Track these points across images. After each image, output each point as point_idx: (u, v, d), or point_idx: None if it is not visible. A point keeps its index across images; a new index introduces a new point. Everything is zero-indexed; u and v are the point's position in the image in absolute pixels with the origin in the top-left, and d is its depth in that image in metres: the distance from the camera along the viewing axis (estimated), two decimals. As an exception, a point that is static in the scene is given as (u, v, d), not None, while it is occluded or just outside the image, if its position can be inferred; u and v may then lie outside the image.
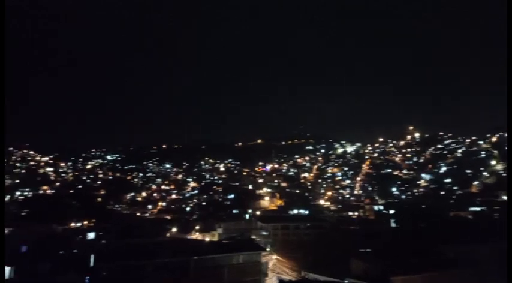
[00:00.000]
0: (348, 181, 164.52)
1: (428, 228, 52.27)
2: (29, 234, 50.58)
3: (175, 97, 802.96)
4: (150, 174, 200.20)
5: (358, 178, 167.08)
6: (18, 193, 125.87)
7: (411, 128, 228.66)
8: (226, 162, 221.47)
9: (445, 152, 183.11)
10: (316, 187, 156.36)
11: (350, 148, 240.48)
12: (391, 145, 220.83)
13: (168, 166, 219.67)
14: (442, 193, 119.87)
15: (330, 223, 70.87)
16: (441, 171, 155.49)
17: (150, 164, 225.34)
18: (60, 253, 35.21)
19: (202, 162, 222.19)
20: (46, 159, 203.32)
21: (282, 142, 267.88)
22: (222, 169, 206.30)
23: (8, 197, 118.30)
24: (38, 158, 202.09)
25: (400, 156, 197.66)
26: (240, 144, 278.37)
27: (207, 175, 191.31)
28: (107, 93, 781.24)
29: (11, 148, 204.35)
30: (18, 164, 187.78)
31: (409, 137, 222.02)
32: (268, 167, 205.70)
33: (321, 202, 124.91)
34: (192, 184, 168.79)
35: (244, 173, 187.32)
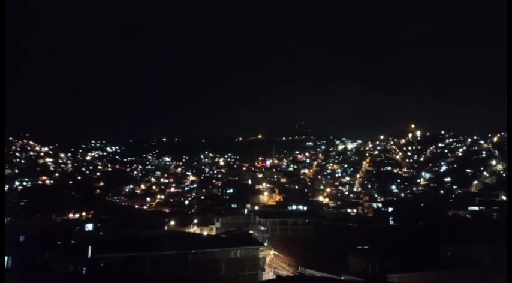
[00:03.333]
0: (347, 178, 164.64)
1: (427, 227, 52.28)
2: (28, 224, 50.78)
3: (176, 90, 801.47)
4: (149, 167, 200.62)
5: (358, 176, 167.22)
6: (17, 183, 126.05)
7: (413, 126, 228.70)
8: (226, 156, 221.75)
9: (446, 151, 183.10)
10: (315, 183, 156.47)
11: (351, 145, 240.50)
12: (391, 143, 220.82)
13: (167, 159, 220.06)
14: (442, 192, 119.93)
15: (329, 219, 70.93)
16: (441, 170, 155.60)
17: (150, 157, 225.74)
18: (58, 243, 35.23)
19: (202, 156, 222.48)
20: (46, 149, 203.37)
21: (283, 138, 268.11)
22: (221, 163, 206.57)
23: (7, 187, 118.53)
24: (37, 148, 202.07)
25: (400, 154, 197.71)
26: (240, 138, 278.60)
27: (207, 169, 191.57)
28: (108, 84, 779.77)
29: (11, 138, 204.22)
30: (17, 154, 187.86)
31: (410, 135, 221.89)
32: (268, 162, 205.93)
33: (320, 198, 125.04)
34: (192, 178, 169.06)
35: (244, 168, 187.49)
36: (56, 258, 32.20)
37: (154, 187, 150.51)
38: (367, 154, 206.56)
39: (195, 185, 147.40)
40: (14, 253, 35.30)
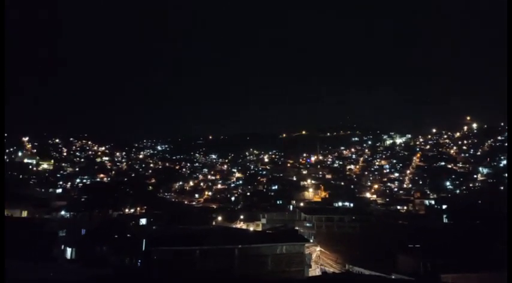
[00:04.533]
0: (396, 174, 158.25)
1: (483, 225, 49.10)
2: (88, 218, 54.86)
3: (220, 89, 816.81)
4: (196, 164, 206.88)
5: (408, 171, 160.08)
6: (78, 180, 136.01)
7: (468, 118, 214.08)
8: (270, 153, 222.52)
9: (506, 144, 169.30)
10: (362, 179, 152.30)
11: (399, 140, 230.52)
12: (445, 137, 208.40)
13: (213, 156, 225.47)
14: (501, 188, 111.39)
15: (377, 216, 68.95)
16: (500, 165, 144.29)
17: (197, 154, 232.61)
18: (115, 236, 37.75)
19: (247, 153, 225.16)
20: (103, 148, 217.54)
21: (327, 134, 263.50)
22: (266, 160, 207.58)
23: (69, 184, 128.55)
24: (95, 148, 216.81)
25: (455, 148, 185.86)
26: (284, 135, 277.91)
27: (252, 166, 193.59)
28: (159, 87, 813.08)
29: (71, 139, 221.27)
30: (77, 153, 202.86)
31: (465, 128, 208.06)
32: (313, 158, 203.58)
33: (368, 195, 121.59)
34: (237, 174, 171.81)
35: (288, 164, 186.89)
36: (113, 251, 34.59)
37: (202, 184, 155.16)
38: (417, 149, 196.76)
39: (240, 182, 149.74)
40: (76, 246, 38.50)
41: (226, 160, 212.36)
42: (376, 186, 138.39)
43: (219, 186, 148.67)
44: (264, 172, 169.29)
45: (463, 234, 42.75)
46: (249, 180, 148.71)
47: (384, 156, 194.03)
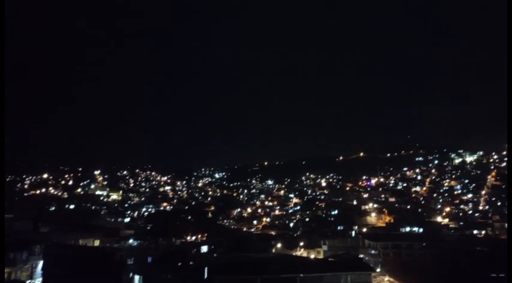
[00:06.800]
0: (469, 195, 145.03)
1: None
2: (154, 246, 56.99)
3: (273, 115, 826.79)
4: (253, 191, 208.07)
5: (483, 192, 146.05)
6: (143, 209, 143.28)
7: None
8: (327, 176, 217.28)
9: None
10: (430, 202, 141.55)
11: (470, 158, 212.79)
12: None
13: (270, 182, 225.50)
14: None
15: (451, 242, 63.15)
16: None
17: (254, 181, 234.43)
18: (179, 264, 38.65)
19: (303, 178, 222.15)
20: (165, 178, 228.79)
21: (387, 155, 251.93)
22: (323, 184, 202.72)
23: (136, 213, 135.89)
24: (158, 178, 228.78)
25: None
26: (341, 158, 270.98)
27: (309, 191, 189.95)
28: (213, 119, 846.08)
29: (137, 170, 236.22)
30: (143, 184, 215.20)
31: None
32: (373, 181, 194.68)
33: (438, 219, 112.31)
34: (295, 200, 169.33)
35: (347, 188, 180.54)
36: (177, 278, 35.35)
37: (259, 210, 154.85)
38: (492, 167, 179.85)
39: (298, 207, 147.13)
40: (144, 273, 39.94)
41: (283, 186, 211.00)
42: (447, 209, 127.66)
43: (277, 212, 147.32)
44: (322, 197, 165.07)
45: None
46: (306, 205, 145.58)
47: (453, 176, 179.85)
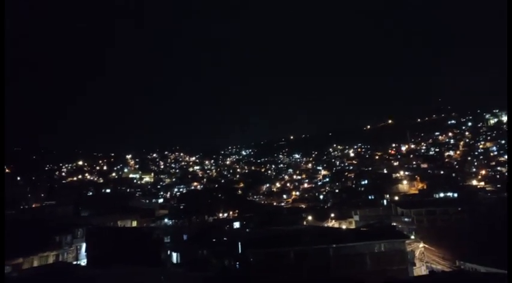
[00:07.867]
0: (507, 156, 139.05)
1: None
2: (188, 225, 58.93)
3: (296, 89, 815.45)
4: (281, 165, 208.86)
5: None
6: (175, 190, 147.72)
7: None
8: (355, 146, 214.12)
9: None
10: (465, 166, 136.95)
11: (506, 117, 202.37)
12: None
13: (297, 156, 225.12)
14: None
15: (488, 206, 61.20)
16: None
17: (281, 156, 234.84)
18: (213, 240, 39.78)
19: (330, 149, 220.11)
20: (193, 158, 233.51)
21: (417, 120, 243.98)
22: (351, 154, 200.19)
23: (168, 194, 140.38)
24: (187, 159, 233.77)
25: None
26: (368, 126, 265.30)
27: (337, 162, 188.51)
28: (237, 95, 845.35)
29: (166, 152, 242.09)
30: (173, 165, 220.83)
31: None
32: (403, 148, 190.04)
33: (474, 182, 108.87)
34: (323, 172, 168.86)
35: (377, 157, 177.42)
36: (213, 254, 36.48)
37: (288, 184, 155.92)
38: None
39: (327, 179, 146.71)
40: (180, 250, 41.51)
41: (311, 159, 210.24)
42: (483, 172, 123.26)
43: (306, 185, 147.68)
44: (351, 168, 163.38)
45: None
46: (336, 176, 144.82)
47: (489, 138, 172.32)
